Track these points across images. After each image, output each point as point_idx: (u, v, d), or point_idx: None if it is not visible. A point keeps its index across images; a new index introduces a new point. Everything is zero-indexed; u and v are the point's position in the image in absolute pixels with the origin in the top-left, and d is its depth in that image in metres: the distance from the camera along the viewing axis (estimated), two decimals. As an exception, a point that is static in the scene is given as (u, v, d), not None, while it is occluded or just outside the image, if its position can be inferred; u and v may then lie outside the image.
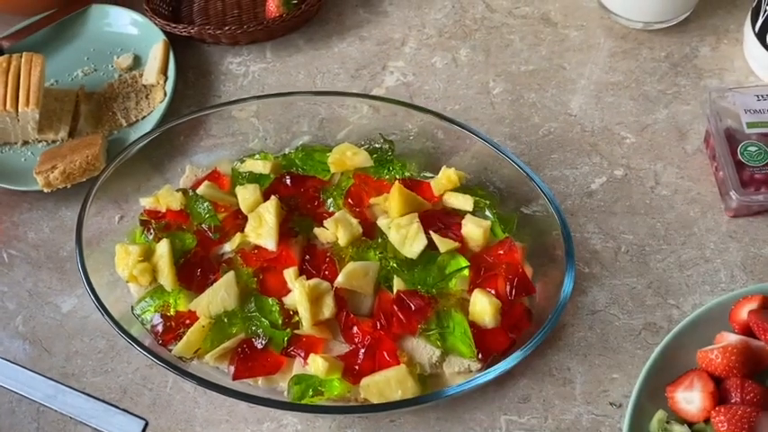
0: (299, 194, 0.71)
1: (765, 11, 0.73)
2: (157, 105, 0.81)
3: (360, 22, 0.87)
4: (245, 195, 0.70)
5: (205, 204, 0.70)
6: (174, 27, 0.84)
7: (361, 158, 0.72)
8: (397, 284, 0.64)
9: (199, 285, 0.66)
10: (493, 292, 0.64)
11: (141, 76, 0.84)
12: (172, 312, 0.66)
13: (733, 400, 0.56)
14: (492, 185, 0.72)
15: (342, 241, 0.67)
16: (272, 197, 0.69)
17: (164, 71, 0.83)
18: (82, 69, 0.86)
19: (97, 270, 0.67)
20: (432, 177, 0.72)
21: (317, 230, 0.68)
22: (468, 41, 0.84)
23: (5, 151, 0.80)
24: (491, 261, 0.66)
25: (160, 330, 0.65)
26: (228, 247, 0.69)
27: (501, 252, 0.66)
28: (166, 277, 0.66)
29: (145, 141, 0.73)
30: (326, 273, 0.66)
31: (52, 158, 0.75)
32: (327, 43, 0.86)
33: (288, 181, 0.72)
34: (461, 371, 0.62)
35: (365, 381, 0.60)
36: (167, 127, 0.75)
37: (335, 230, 0.67)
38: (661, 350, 0.60)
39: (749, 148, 0.67)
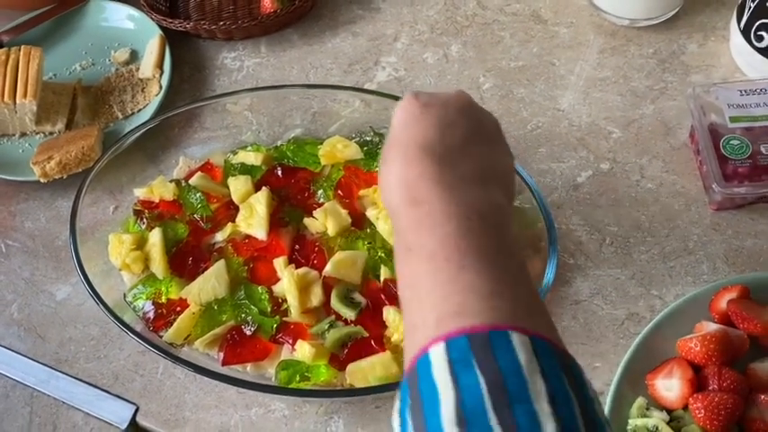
0: (289, 186, 0.73)
1: (750, 8, 0.74)
2: (153, 98, 0.82)
3: (353, 18, 0.89)
4: (237, 186, 0.71)
5: (198, 195, 0.72)
6: (171, 22, 0.85)
7: (352, 151, 0.73)
8: (385, 273, 0.65)
9: (190, 273, 0.68)
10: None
11: (138, 70, 0.85)
12: (163, 300, 0.67)
13: (711, 388, 0.57)
14: (480, 178, 0.73)
15: (331, 231, 0.68)
16: (264, 188, 0.70)
17: (160, 65, 0.84)
18: (80, 63, 0.87)
19: (91, 259, 0.69)
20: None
21: (306, 221, 0.70)
22: (460, 38, 0.86)
23: (3, 142, 0.81)
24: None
25: (151, 317, 0.66)
26: (220, 236, 0.70)
27: (486, 242, 0.67)
28: (158, 265, 0.68)
29: (139, 132, 0.75)
30: (315, 262, 0.67)
31: (49, 149, 0.77)
32: (321, 39, 0.87)
33: (279, 172, 0.73)
34: (446, 358, 0.63)
35: (351, 366, 0.61)
36: (162, 118, 0.76)
37: (325, 221, 0.68)
38: (642, 339, 0.61)
39: (732, 142, 0.69)
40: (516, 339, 0.34)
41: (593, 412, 0.34)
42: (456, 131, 0.44)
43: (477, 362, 0.33)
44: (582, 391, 0.34)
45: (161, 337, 0.65)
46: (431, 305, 0.37)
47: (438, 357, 0.34)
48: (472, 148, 0.44)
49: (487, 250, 0.38)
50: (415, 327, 0.37)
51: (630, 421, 0.58)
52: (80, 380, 0.68)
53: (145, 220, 0.71)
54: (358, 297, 0.65)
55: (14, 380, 0.68)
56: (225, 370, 0.63)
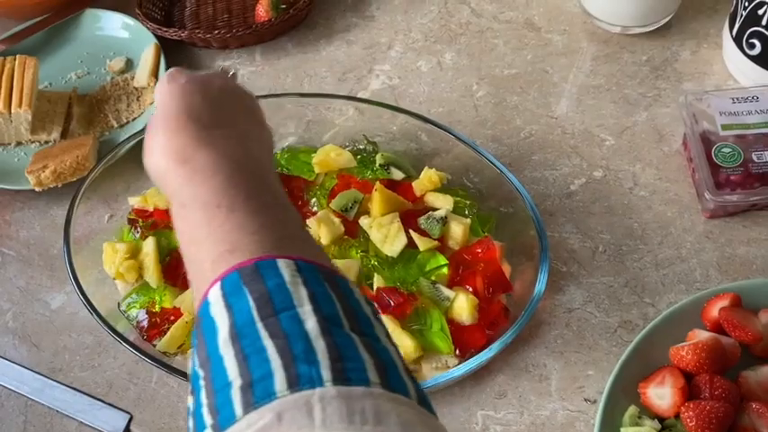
0: (283, 194, 0.73)
1: (742, 15, 0.74)
2: (148, 107, 0.82)
3: (347, 26, 0.89)
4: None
5: (192, 203, 0.72)
6: (166, 31, 0.86)
7: (345, 159, 0.73)
8: (378, 282, 0.66)
9: (184, 282, 0.68)
10: (471, 289, 0.65)
11: (133, 78, 0.86)
12: (157, 309, 0.67)
13: (702, 396, 0.57)
14: (473, 186, 0.73)
15: (324, 240, 0.68)
16: (257, 197, 0.71)
17: (155, 74, 0.84)
18: (75, 72, 0.88)
19: (86, 267, 0.69)
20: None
21: (300, 229, 0.70)
22: (454, 45, 0.86)
23: (-1, 152, 0.82)
24: (469, 259, 0.67)
25: (145, 326, 0.66)
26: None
27: (479, 250, 0.67)
28: (152, 274, 0.68)
29: (133, 142, 0.75)
30: (309, 270, 0.67)
31: (44, 158, 0.77)
32: (315, 47, 0.88)
33: (273, 181, 0.73)
34: (439, 366, 0.63)
35: (344, 375, 0.61)
36: (156, 128, 0.76)
37: (318, 229, 0.68)
38: (634, 347, 0.61)
39: (723, 150, 0.69)
40: (281, 263, 0.38)
41: (360, 311, 0.38)
42: (218, 103, 0.48)
43: (246, 288, 0.37)
44: (345, 293, 0.38)
45: (155, 346, 0.65)
46: (207, 250, 0.40)
47: (214, 296, 0.37)
48: (235, 117, 0.48)
49: (253, 194, 0.42)
50: (195, 276, 0.41)
51: (622, 430, 0.58)
52: (74, 389, 0.68)
53: (139, 229, 0.71)
54: (351, 306, 0.65)
55: (9, 389, 0.68)
56: (218, 379, 0.63)
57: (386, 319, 0.63)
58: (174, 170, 0.44)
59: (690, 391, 0.58)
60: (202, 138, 0.45)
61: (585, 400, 0.63)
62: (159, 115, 0.47)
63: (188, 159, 0.44)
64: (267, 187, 0.44)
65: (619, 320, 0.66)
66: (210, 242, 0.40)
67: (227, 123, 0.47)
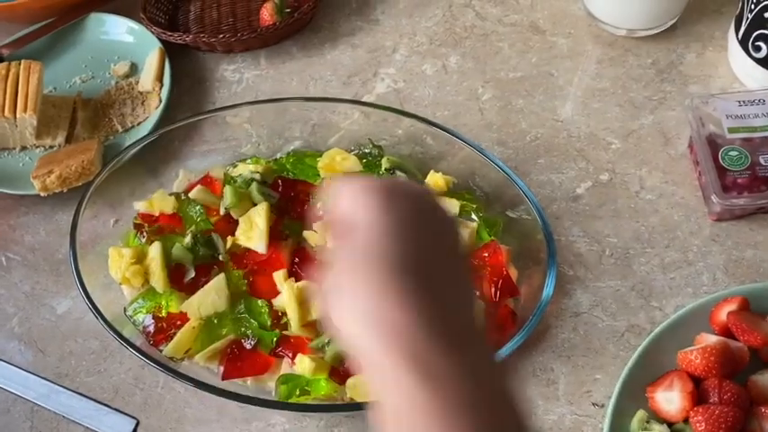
0: (289, 198, 0.73)
1: (748, 18, 0.74)
2: (153, 112, 0.82)
3: (352, 29, 0.89)
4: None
5: (197, 208, 0.72)
6: (170, 35, 0.86)
7: (351, 163, 0.73)
8: (384, 286, 0.65)
9: (190, 287, 0.68)
10: (477, 293, 0.65)
11: (137, 83, 0.85)
12: (163, 314, 0.67)
13: (711, 400, 0.57)
14: (479, 190, 0.73)
15: (331, 244, 0.68)
16: (263, 201, 0.70)
17: (159, 78, 0.84)
18: (80, 77, 0.88)
19: (92, 272, 0.69)
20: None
21: (306, 234, 0.70)
22: (458, 49, 0.86)
23: (4, 156, 0.82)
24: (476, 263, 0.67)
25: (152, 331, 0.66)
26: (220, 249, 0.70)
27: (486, 255, 0.67)
28: (158, 279, 0.68)
29: (139, 146, 0.75)
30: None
31: (49, 163, 0.77)
32: (320, 50, 0.87)
33: (279, 185, 0.73)
34: (446, 371, 0.63)
35: (351, 380, 0.61)
36: (162, 132, 0.76)
37: (325, 233, 0.68)
38: (642, 351, 0.61)
39: (730, 153, 0.69)
40: None
41: None
42: (437, 246, 0.33)
43: None
44: None
45: (161, 351, 0.65)
46: None
47: None
48: (462, 279, 0.34)
49: (511, 422, 0.31)
50: None
51: (631, 434, 0.58)
52: (81, 394, 0.68)
53: (144, 233, 0.71)
54: (358, 310, 0.64)
55: (15, 394, 0.68)
56: (225, 384, 0.63)
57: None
58: (402, 374, 0.30)
59: (698, 396, 0.58)
60: (439, 326, 0.31)
61: (593, 404, 0.63)
62: (366, 259, 0.32)
63: (428, 369, 0.30)
64: (512, 405, 0.32)
65: (626, 324, 0.66)
66: None
67: (456, 287, 0.33)
